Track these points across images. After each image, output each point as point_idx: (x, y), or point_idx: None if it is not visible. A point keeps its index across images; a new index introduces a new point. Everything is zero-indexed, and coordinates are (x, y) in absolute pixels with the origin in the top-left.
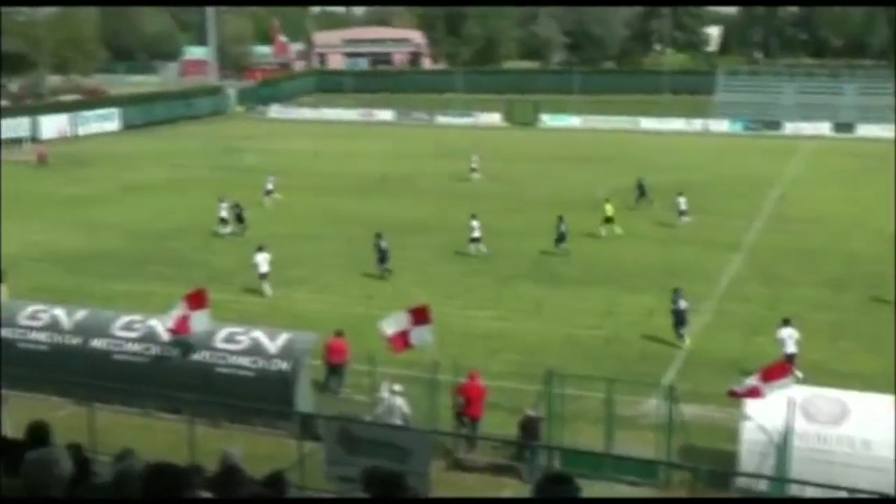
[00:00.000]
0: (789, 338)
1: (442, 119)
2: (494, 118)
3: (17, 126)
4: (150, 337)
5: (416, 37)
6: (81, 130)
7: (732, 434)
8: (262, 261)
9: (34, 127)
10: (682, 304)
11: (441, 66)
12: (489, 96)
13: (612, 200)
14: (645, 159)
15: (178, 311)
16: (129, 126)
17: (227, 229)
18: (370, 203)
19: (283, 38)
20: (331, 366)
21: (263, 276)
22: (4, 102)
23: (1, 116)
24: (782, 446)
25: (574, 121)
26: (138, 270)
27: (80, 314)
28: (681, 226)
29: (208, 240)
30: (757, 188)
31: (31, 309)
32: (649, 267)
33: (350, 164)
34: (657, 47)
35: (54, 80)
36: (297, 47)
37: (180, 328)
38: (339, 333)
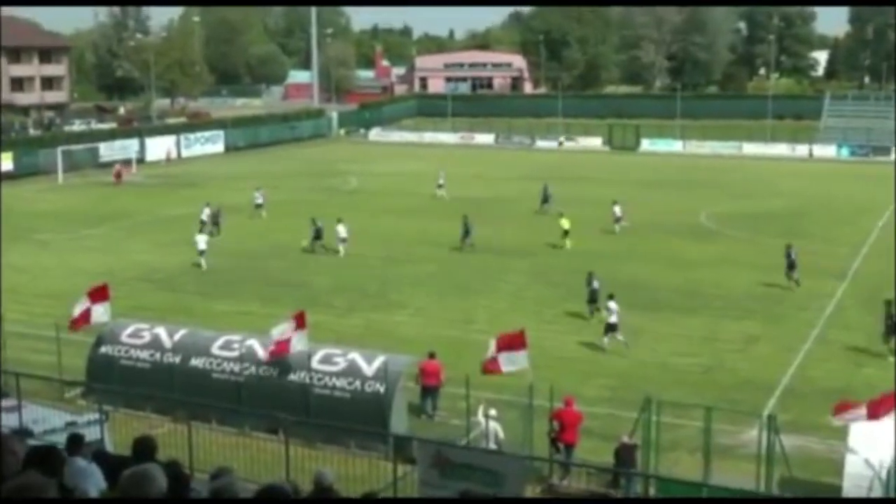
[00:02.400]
0: (613, 310)
1: (542, 143)
2: (595, 142)
3: (126, 148)
4: (248, 357)
5: (517, 61)
6: (186, 152)
7: (835, 467)
8: (342, 230)
9: (142, 147)
10: (595, 284)
11: (542, 90)
12: (590, 121)
13: (567, 215)
14: (747, 185)
15: (285, 328)
16: (232, 148)
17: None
18: (453, 224)
19: (385, 63)
20: (425, 388)
21: (343, 241)
22: (115, 125)
23: (114, 138)
24: (888, 481)
25: (676, 146)
26: (237, 290)
27: (180, 333)
28: (618, 232)
29: (307, 260)
30: (863, 215)
31: (133, 327)
32: (751, 293)
33: (448, 187)
34: (762, 71)
35: (161, 103)
36: (398, 71)
37: (282, 349)
38: (432, 355)
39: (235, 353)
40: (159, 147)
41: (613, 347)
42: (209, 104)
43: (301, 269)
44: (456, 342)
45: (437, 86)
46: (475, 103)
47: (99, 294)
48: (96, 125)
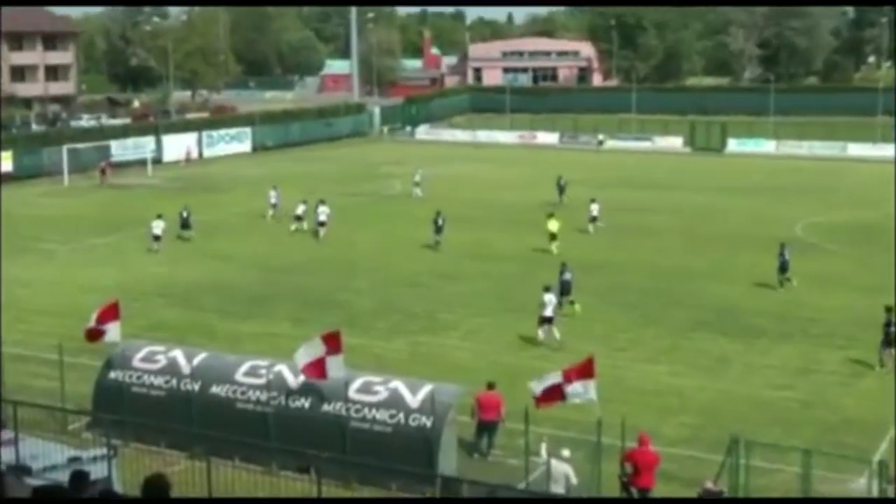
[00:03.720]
0: (549, 303)
1: (614, 143)
2: (675, 142)
3: (140, 146)
4: (276, 384)
5: (585, 49)
6: (209, 152)
7: None
8: (322, 213)
9: (158, 146)
10: (568, 275)
11: (614, 82)
12: (669, 117)
13: (558, 216)
14: (852, 192)
15: (315, 349)
16: (261, 147)
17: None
18: (525, 237)
19: (434, 51)
20: (481, 423)
21: (322, 225)
22: (128, 121)
23: (127, 135)
24: None
25: (768, 146)
26: (266, 309)
27: (200, 357)
28: (592, 233)
29: (346, 276)
30: None
31: (146, 350)
32: (855, 318)
33: (505, 193)
34: (871, 60)
35: (181, 96)
36: (449, 61)
37: (316, 372)
38: (490, 386)
39: (262, 381)
40: (178, 146)
41: (548, 341)
42: (235, 97)
43: (339, 285)
44: (513, 370)
45: (493, 77)
46: (537, 97)
47: (108, 313)
48: (107, 121)
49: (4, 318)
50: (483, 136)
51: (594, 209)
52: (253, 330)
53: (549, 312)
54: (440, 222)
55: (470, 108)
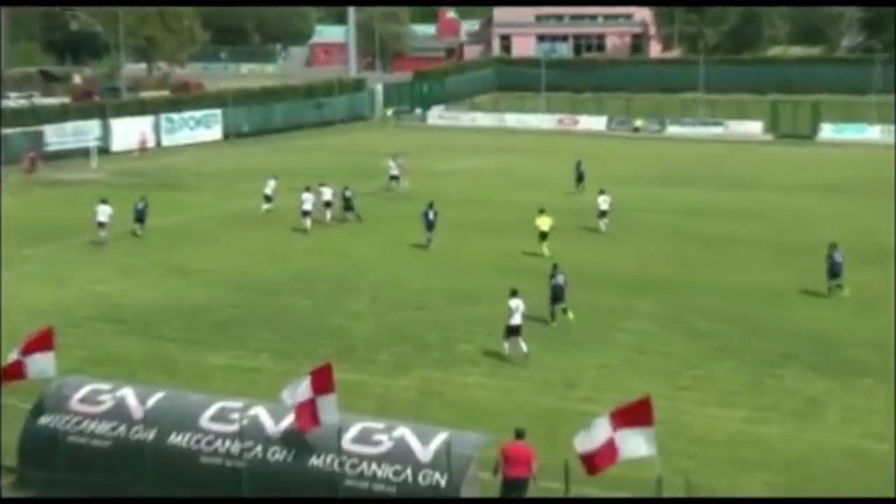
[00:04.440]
0: (516, 310)
1: (676, 129)
2: (753, 128)
3: (83, 133)
4: (252, 432)
5: (641, 12)
6: (169, 139)
7: None
8: (306, 200)
9: (105, 133)
10: (560, 279)
11: (676, 53)
12: (746, 97)
13: (550, 212)
14: None
15: (301, 390)
16: (234, 134)
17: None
18: (564, 247)
19: (451, 15)
20: (508, 481)
21: (305, 214)
22: (66, 100)
23: (66, 118)
24: None
25: (871, 132)
26: (240, 337)
27: (156, 397)
28: (604, 231)
29: (340, 295)
30: None
31: (88, 388)
32: None
33: (539, 193)
34: None
35: (134, 69)
36: (470, 27)
37: (305, 419)
38: (520, 435)
39: (234, 428)
40: (130, 132)
41: (513, 354)
42: (202, 72)
43: (332, 307)
44: (550, 414)
45: (524, 47)
46: (579, 72)
47: (38, 342)
48: (41, 100)
49: None
50: (512, 120)
51: (603, 202)
52: (223, 363)
53: (516, 320)
54: (431, 217)
55: (496, 85)
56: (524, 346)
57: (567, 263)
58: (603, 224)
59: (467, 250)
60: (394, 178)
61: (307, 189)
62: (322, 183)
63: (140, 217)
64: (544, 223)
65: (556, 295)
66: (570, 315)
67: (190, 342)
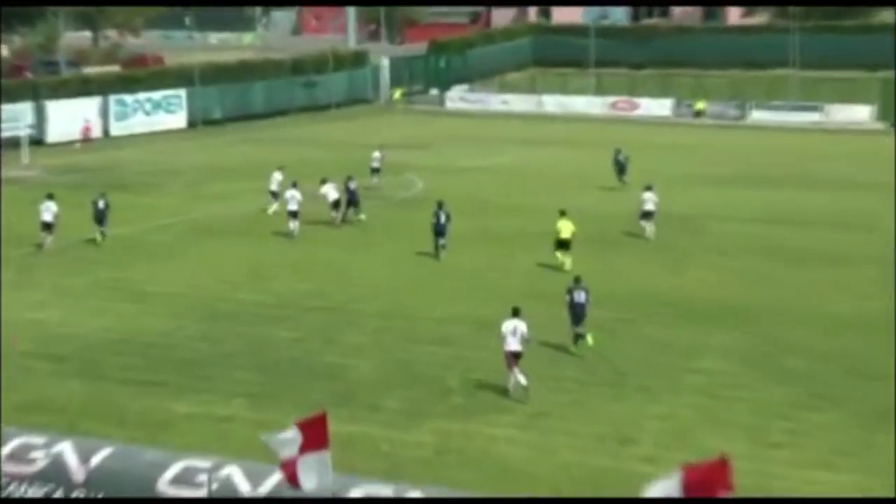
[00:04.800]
0: (512, 332)
1: (761, 115)
2: (860, 114)
3: (11, 119)
4: (224, 499)
5: None
6: (119, 127)
7: None
8: (291, 198)
9: (40, 119)
10: (580, 296)
11: (761, 19)
12: (850, 74)
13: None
14: None
15: (287, 441)
16: (202, 121)
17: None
18: (619, 265)
19: None
20: None
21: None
22: None
23: None
24: None
25: None
26: (209, 378)
27: (103, 454)
28: (649, 236)
29: (337, 325)
30: None
31: (16, 443)
32: None
33: (586, 196)
34: None
35: (75, 39)
36: None
37: (291, 479)
38: None
39: (201, 492)
40: (71, 117)
41: (512, 390)
42: (162, 43)
43: (327, 340)
44: (600, 477)
45: (568, 11)
46: (638, 44)
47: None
48: None
49: None
50: (552, 104)
51: (649, 201)
52: (188, 411)
53: (514, 346)
54: (442, 219)
55: (532, 59)
56: (523, 378)
57: (620, 285)
58: (648, 228)
59: (495, 269)
60: (374, 171)
61: (293, 185)
62: (324, 180)
63: (100, 218)
64: (566, 229)
65: (578, 315)
66: (590, 340)
67: (145, 384)
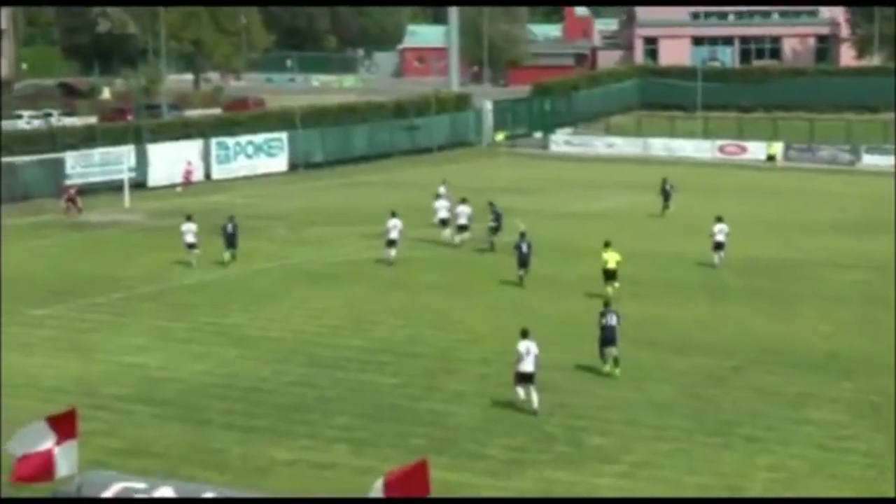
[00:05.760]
0: (527, 353)
1: (874, 159)
2: None
3: (113, 162)
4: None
5: (828, 10)
6: (220, 171)
7: None
8: (392, 228)
9: (141, 162)
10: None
11: (875, 60)
12: None
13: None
14: None
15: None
16: (304, 164)
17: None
18: (721, 309)
19: (581, 11)
20: None
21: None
22: (93, 120)
23: (92, 143)
24: None
25: None
26: (310, 423)
27: (205, 498)
28: (718, 266)
29: (438, 372)
30: None
31: (117, 487)
32: None
33: (696, 242)
34: None
35: (178, 82)
36: (605, 27)
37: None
38: None
39: None
40: (172, 161)
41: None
42: (263, 85)
43: (427, 386)
44: None
45: (676, 53)
46: (747, 86)
47: (59, 426)
48: (61, 119)
49: None
50: (659, 147)
51: (719, 233)
52: (288, 457)
53: (527, 367)
54: (524, 249)
55: (639, 102)
56: (536, 399)
57: (727, 333)
58: (717, 257)
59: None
60: (439, 195)
61: (393, 214)
62: (464, 199)
63: (231, 241)
64: (611, 259)
65: (608, 338)
66: (618, 371)
67: (246, 430)
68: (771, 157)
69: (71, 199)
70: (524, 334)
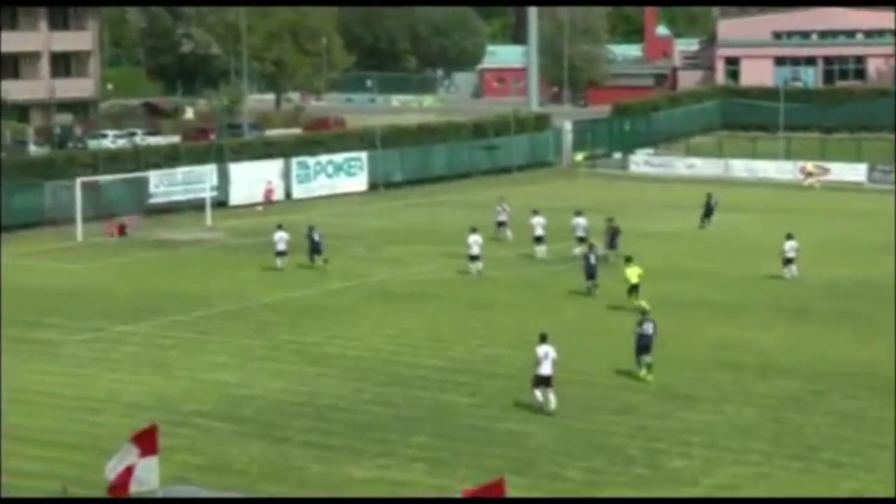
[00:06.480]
0: (545, 357)
1: None
2: None
3: (195, 181)
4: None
5: None
6: (301, 190)
7: None
8: (474, 243)
9: (223, 181)
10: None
11: None
12: None
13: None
14: None
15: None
16: (383, 183)
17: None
18: (804, 331)
19: (662, 31)
20: None
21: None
22: (176, 139)
23: (176, 162)
24: None
25: None
26: (387, 442)
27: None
28: (789, 279)
29: (515, 391)
30: None
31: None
32: None
33: (774, 263)
34: None
35: (259, 102)
36: (686, 46)
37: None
38: None
39: None
40: (253, 179)
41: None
42: (344, 105)
43: (505, 407)
44: None
45: (758, 73)
46: (830, 106)
47: (142, 443)
48: (145, 139)
49: None
50: (740, 168)
51: (790, 249)
52: (365, 475)
53: (545, 370)
54: (592, 261)
55: (720, 122)
56: (553, 401)
57: (810, 356)
58: (788, 271)
59: (680, 336)
60: (501, 224)
61: (473, 230)
62: (535, 211)
63: (317, 249)
64: (633, 274)
65: (644, 346)
66: (651, 376)
67: (324, 448)
68: (810, 174)
69: (119, 229)
70: (543, 339)
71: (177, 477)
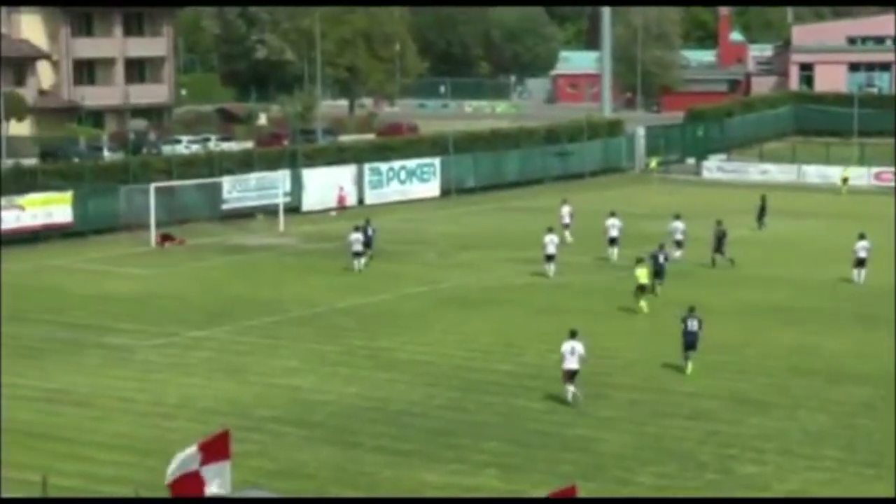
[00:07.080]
0: (571, 352)
1: None
2: None
3: (268, 186)
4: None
5: None
6: (374, 195)
7: None
8: (549, 242)
9: (296, 187)
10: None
11: None
12: None
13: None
14: None
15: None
16: (456, 189)
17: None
18: (874, 337)
19: (735, 37)
20: None
21: (549, 258)
22: (250, 145)
23: (249, 168)
24: None
25: None
26: (460, 447)
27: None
28: (858, 282)
29: (587, 398)
30: None
31: None
32: None
33: (845, 270)
34: None
35: (332, 108)
36: (759, 52)
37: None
38: None
39: None
40: (327, 185)
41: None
42: (417, 111)
43: (576, 412)
44: None
45: (832, 78)
46: None
47: (213, 448)
48: (218, 145)
49: (53, 451)
50: (814, 174)
51: (862, 250)
52: (438, 480)
53: (571, 364)
54: (661, 260)
55: (793, 128)
56: (576, 393)
57: (880, 362)
58: (857, 274)
59: (754, 342)
60: (564, 227)
61: (549, 230)
62: (613, 213)
63: (369, 243)
64: (643, 275)
65: (689, 342)
66: (690, 368)
67: (396, 453)
68: (845, 180)
69: (166, 238)
70: (573, 335)
71: (248, 482)
